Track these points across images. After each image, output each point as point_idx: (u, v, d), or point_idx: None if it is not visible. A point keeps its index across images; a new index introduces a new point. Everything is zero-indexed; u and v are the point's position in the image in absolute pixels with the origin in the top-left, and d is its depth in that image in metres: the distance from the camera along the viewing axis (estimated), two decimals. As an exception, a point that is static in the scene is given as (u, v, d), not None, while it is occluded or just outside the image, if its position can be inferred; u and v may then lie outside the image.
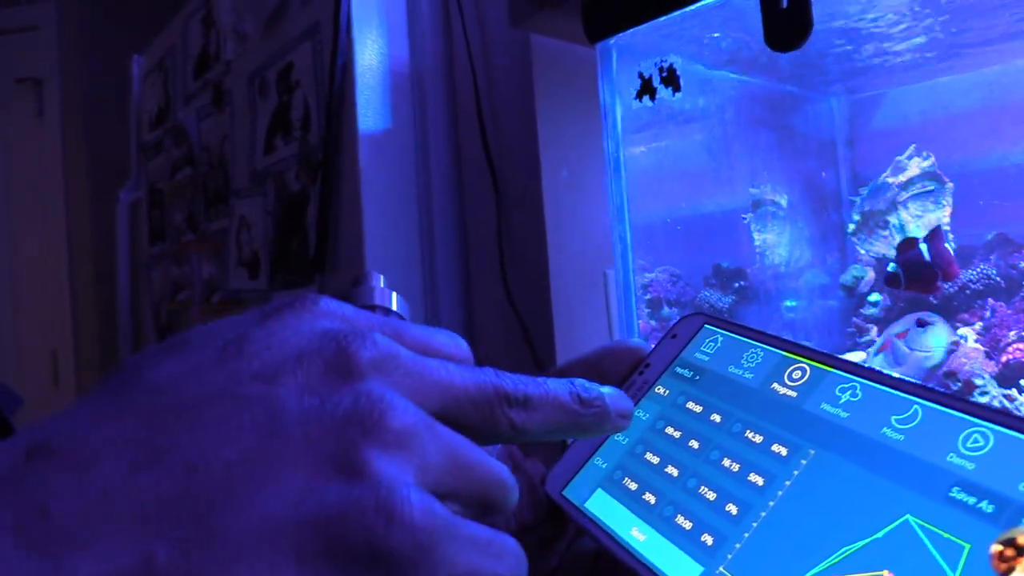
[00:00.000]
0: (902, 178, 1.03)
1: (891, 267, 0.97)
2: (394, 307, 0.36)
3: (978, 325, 0.95)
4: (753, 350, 0.32)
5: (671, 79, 0.80)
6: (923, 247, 0.96)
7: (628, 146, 0.88)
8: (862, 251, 1.08)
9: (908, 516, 0.24)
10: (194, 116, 1.55)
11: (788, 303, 1.06)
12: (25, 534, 0.19)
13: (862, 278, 1.07)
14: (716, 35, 0.86)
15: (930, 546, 0.23)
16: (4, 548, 0.18)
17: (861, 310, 1.09)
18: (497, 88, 1.05)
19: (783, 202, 1.07)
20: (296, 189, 1.15)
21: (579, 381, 0.28)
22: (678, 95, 0.80)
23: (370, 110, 1.02)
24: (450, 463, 0.23)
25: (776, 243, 1.07)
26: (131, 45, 2.04)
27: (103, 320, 2.54)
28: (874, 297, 1.07)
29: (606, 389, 0.29)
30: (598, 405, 0.28)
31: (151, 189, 1.88)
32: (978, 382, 0.86)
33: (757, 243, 1.07)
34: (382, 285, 0.35)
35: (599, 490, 0.32)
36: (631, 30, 0.79)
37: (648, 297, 1.05)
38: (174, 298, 1.68)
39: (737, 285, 1.09)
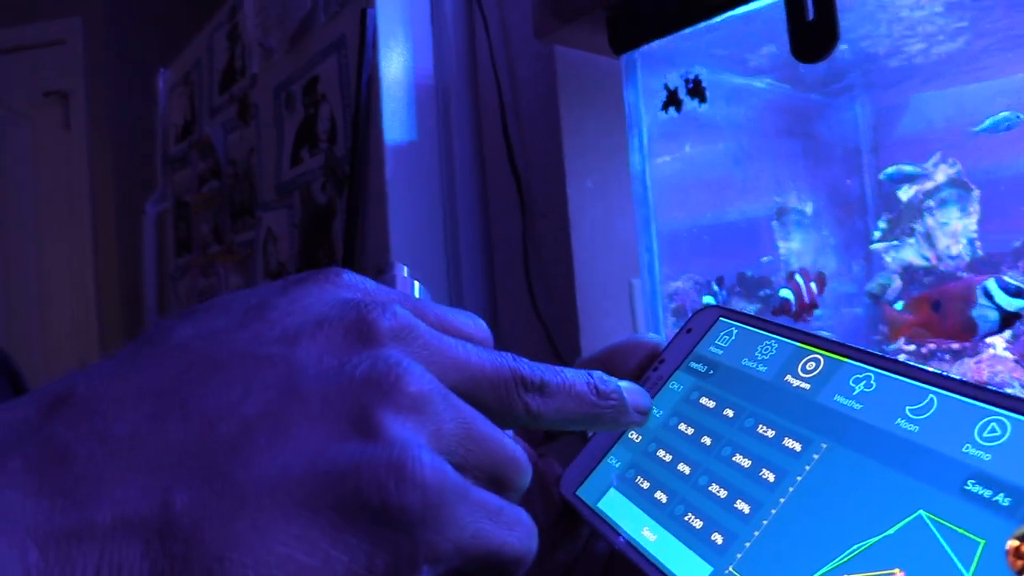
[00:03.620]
0: (928, 185, 1.02)
1: (781, 293, 0.98)
2: (417, 296, 0.35)
3: (1007, 333, 0.94)
4: (767, 342, 0.32)
5: (697, 91, 0.80)
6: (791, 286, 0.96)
7: (653, 155, 0.88)
8: (888, 259, 1.08)
9: (921, 511, 0.23)
10: (220, 129, 1.55)
11: (814, 311, 1.05)
12: (47, 476, 0.19)
13: (888, 286, 1.07)
14: (741, 45, 0.86)
15: (943, 542, 0.22)
16: (27, 490, 0.19)
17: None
18: (522, 100, 1.04)
19: (808, 210, 1.08)
20: (323, 201, 1.15)
21: (597, 373, 0.28)
22: (704, 106, 0.80)
23: (396, 122, 1.02)
24: (463, 433, 0.23)
25: (801, 251, 1.06)
26: (157, 59, 2.06)
27: (130, 330, 2.54)
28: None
29: (624, 383, 0.28)
30: (615, 398, 0.28)
31: (178, 202, 1.88)
32: (1009, 391, 0.84)
33: (782, 251, 1.07)
34: (405, 275, 0.32)
35: (612, 489, 0.32)
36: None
37: (673, 306, 1.04)
38: (201, 309, 1.66)
39: (762, 293, 1.08)
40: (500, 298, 1.11)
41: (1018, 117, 0.93)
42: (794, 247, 1.06)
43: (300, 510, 0.19)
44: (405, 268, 0.36)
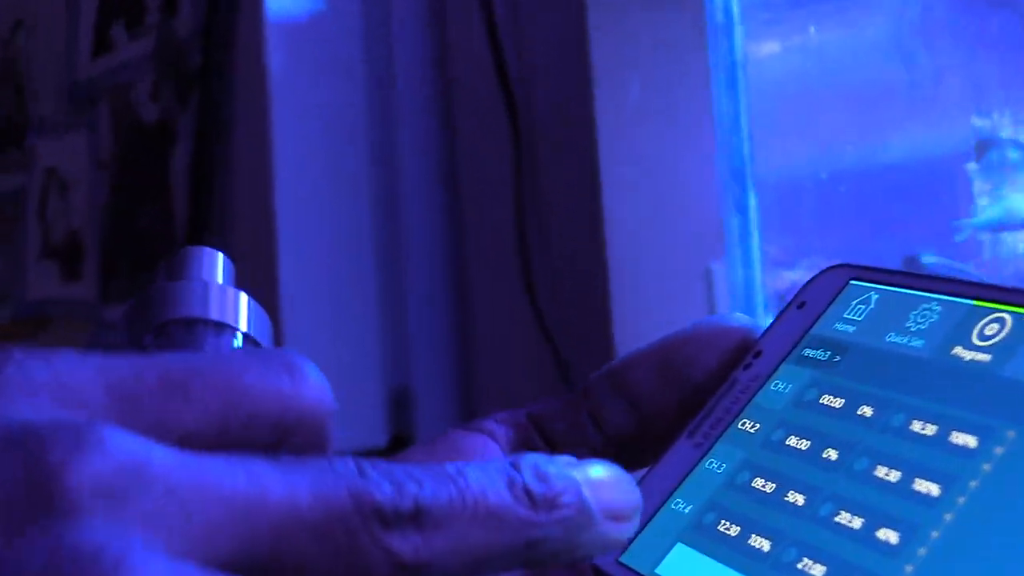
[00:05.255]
0: None
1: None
2: (243, 324, 0.27)
3: None
4: (926, 305, 0.30)
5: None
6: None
7: (753, 42, 0.81)
8: None
9: None
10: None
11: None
12: None
13: None
14: None
15: None
16: None
17: None
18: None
19: None
20: (151, 119, 0.99)
21: (530, 458, 0.22)
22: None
23: (285, -23, 0.88)
24: None
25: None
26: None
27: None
28: None
29: (589, 467, 0.23)
30: (566, 503, 0.22)
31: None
32: None
33: (986, 217, 0.84)
34: (220, 279, 0.26)
35: (678, 545, 0.30)
36: None
37: (787, 309, 0.85)
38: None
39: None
40: (475, 300, 0.96)
41: None
42: (1010, 206, 0.85)
43: None
44: (220, 259, 0.24)
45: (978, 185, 0.84)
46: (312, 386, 0.21)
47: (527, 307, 0.84)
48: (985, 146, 0.84)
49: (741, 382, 0.33)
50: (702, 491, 0.31)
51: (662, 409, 0.30)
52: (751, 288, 0.79)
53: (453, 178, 0.97)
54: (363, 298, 0.91)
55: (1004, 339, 0.28)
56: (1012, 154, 0.83)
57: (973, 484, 0.25)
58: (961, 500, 0.25)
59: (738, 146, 0.79)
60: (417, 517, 0.20)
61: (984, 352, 0.28)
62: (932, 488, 0.25)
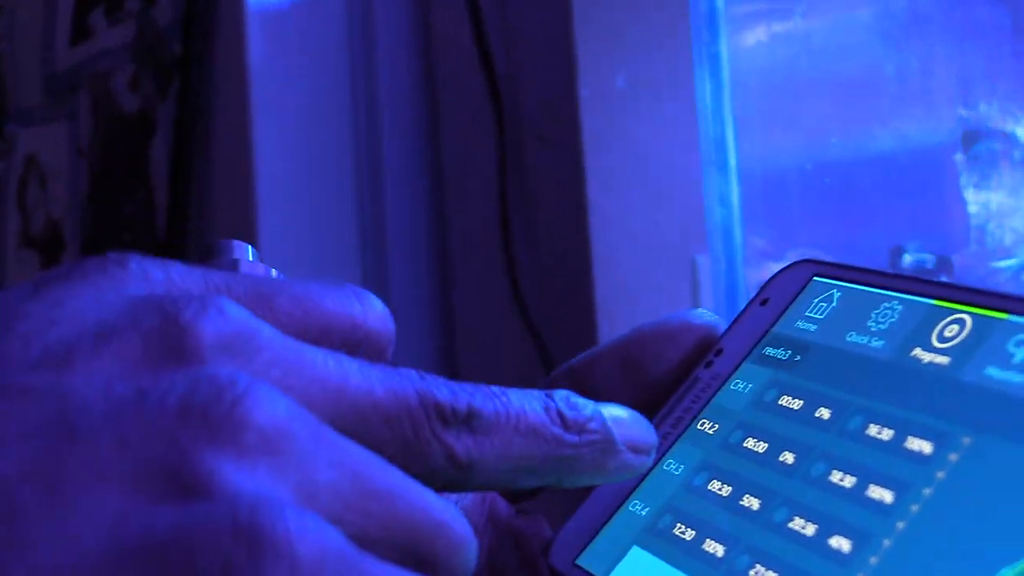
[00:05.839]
0: None
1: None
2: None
3: None
4: (887, 304, 0.30)
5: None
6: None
7: (738, 30, 0.81)
8: None
9: None
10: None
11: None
12: None
13: None
14: None
15: None
16: None
17: None
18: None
19: (1021, 133, 0.85)
20: (132, 108, 0.98)
21: (562, 392, 0.24)
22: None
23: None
24: (351, 485, 0.19)
25: (1010, 208, 0.85)
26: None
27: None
28: None
29: (610, 407, 0.25)
30: (594, 429, 0.24)
31: None
32: None
33: (973, 208, 0.85)
34: (251, 258, 0.28)
35: (634, 548, 0.30)
36: None
37: (773, 302, 0.84)
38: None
39: (939, 287, 0.81)
40: (459, 293, 0.97)
41: None
42: (996, 200, 0.86)
43: None
44: (250, 249, 0.27)
45: (964, 176, 0.84)
46: (378, 313, 0.23)
47: (511, 300, 0.84)
48: (972, 138, 0.85)
49: (702, 380, 0.33)
50: (660, 493, 0.31)
51: None
52: (734, 280, 0.79)
53: (437, 170, 0.97)
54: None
55: (963, 341, 0.28)
56: (999, 147, 0.85)
57: (927, 492, 0.25)
58: (914, 508, 0.25)
59: (722, 138, 0.79)
60: (470, 420, 0.22)
61: (943, 354, 0.28)
62: (885, 495, 0.25)
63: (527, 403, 0.23)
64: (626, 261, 0.83)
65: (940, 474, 0.25)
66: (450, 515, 0.21)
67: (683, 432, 0.31)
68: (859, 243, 0.87)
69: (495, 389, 0.23)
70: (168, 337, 0.20)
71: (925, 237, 0.86)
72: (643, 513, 0.31)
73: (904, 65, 0.86)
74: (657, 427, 0.30)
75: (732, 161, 0.79)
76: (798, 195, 0.85)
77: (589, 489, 0.32)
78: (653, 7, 0.83)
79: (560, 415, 0.24)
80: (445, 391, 0.22)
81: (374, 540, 0.20)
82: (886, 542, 0.25)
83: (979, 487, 0.24)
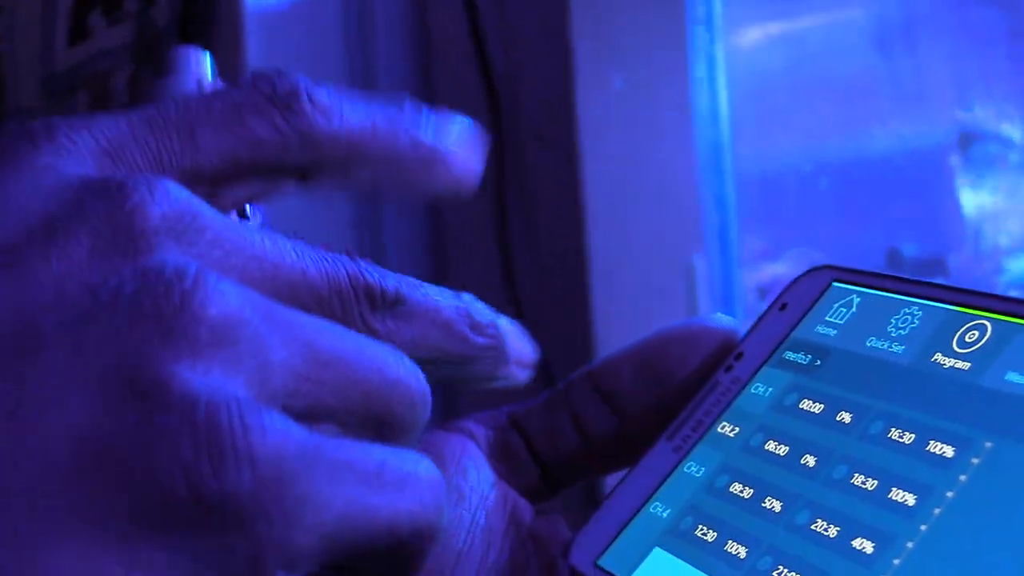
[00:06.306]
0: None
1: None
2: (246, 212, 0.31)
3: None
4: (907, 310, 0.30)
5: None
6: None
7: (734, 31, 0.84)
8: None
9: None
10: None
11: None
12: None
13: None
14: None
15: None
16: None
17: None
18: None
19: (1016, 136, 0.86)
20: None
21: (468, 295, 0.26)
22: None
23: (263, -37, 0.88)
24: (302, 359, 0.20)
25: (1005, 209, 0.86)
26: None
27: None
28: None
29: (504, 320, 0.26)
30: (491, 335, 0.25)
31: None
32: None
33: (969, 209, 0.86)
34: (208, 73, 0.30)
35: (656, 549, 0.30)
36: None
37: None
38: None
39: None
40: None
41: None
42: (992, 202, 0.88)
43: (70, 523, 0.17)
44: (208, 58, 0.32)
45: (960, 177, 0.85)
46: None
47: (508, 302, 0.85)
48: (968, 139, 0.85)
49: (722, 384, 0.33)
50: (681, 495, 0.31)
51: (642, 411, 0.30)
52: (730, 282, 0.79)
53: (433, 171, 0.94)
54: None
55: (983, 347, 0.28)
56: (995, 149, 0.85)
57: (949, 495, 0.25)
58: (937, 511, 0.25)
59: (718, 140, 0.79)
60: (395, 305, 0.22)
61: (963, 360, 0.28)
62: (908, 498, 0.26)
63: (443, 298, 0.24)
64: (623, 261, 0.84)
65: (962, 477, 0.25)
66: (404, 370, 0.21)
67: (704, 435, 0.32)
68: (857, 243, 0.88)
69: (416, 280, 0.24)
70: (115, 225, 0.20)
71: (921, 238, 0.87)
72: (664, 515, 0.31)
73: (900, 68, 0.87)
74: (677, 430, 0.31)
75: (729, 162, 0.79)
76: (795, 196, 0.87)
77: (611, 492, 0.33)
78: (651, 9, 0.84)
79: (468, 315, 0.25)
80: (375, 275, 0.23)
81: (331, 409, 0.20)
82: (909, 544, 0.25)
83: (1001, 490, 0.24)
